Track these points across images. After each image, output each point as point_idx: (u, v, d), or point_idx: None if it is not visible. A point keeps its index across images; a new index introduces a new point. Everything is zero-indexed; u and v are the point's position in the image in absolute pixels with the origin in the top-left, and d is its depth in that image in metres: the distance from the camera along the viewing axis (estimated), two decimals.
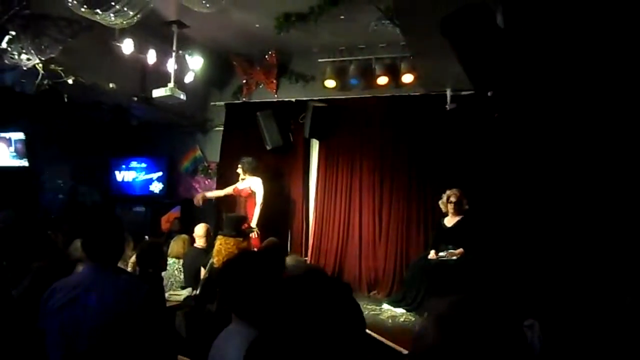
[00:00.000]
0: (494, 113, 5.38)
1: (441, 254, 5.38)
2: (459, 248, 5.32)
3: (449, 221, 5.58)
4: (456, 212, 5.54)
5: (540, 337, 1.91)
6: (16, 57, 4.73)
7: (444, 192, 5.67)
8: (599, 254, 3.15)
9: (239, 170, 6.42)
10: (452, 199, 5.54)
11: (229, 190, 6.61)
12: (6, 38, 4.61)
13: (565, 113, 3.55)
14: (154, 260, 3.77)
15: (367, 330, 4.37)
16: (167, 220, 7.75)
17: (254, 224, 6.08)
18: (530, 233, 3.70)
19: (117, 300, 2.05)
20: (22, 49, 4.70)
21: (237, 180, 6.55)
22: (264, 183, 6.33)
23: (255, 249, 5.36)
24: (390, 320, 5.05)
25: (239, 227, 4.69)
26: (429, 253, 5.51)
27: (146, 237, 6.86)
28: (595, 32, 3.29)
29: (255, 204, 6.24)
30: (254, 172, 6.39)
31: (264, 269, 1.75)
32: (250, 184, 6.34)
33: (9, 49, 4.67)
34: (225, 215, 5.05)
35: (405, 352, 3.85)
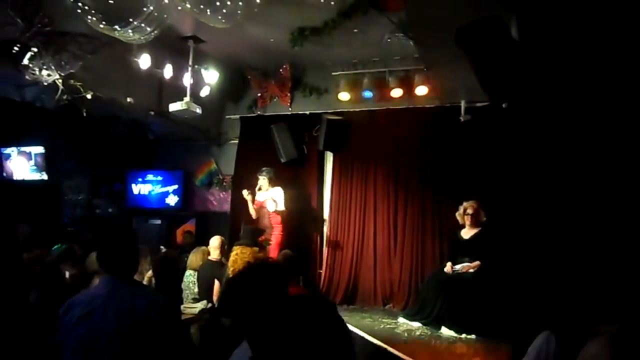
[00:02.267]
0: (509, 124, 5.33)
1: (457, 267, 5.31)
2: (475, 261, 5.25)
3: (466, 233, 5.51)
4: (473, 224, 5.47)
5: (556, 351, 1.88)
6: (37, 72, 4.85)
7: (461, 204, 5.62)
8: (621, 267, 3.07)
9: (261, 181, 6.34)
10: (469, 210, 5.47)
11: (251, 207, 6.41)
12: (28, 54, 4.74)
13: (581, 124, 3.50)
14: (169, 273, 3.79)
15: (384, 345, 4.32)
16: (181, 233, 7.81)
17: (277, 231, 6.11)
18: (548, 245, 3.63)
19: (134, 312, 2.05)
20: (43, 65, 4.82)
21: (254, 193, 6.51)
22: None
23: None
24: (406, 334, 4.97)
25: (255, 238, 4.72)
26: (445, 266, 5.45)
27: (162, 247, 6.92)
28: (611, 42, 3.26)
29: (278, 215, 6.22)
30: (275, 182, 6.37)
31: (276, 282, 1.73)
32: (272, 195, 6.28)
33: (30, 65, 4.79)
34: (243, 226, 5.07)
35: None
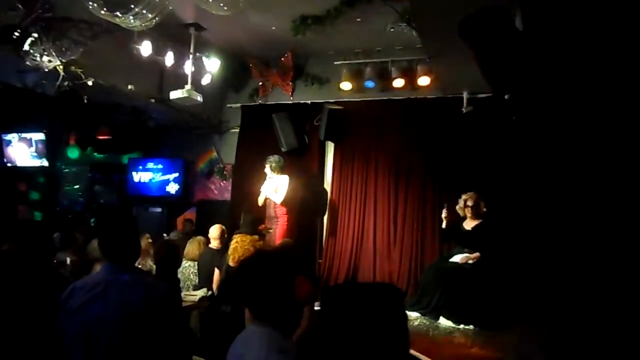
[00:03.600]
0: (511, 116, 5.32)
1: (457, 258, 5.33)
2: (475, 252, 5.27)
3: (468, 224, 5.52)
4: (474, 215, 5.48)
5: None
6: (38, 59, 4.84)
7: (460, 197, 5.62)
8: (623, 261, 3.08)
9: (267, 170, 6.12)
10: (469, 202, 5.48)
11: (261, 199, 6.17)
12: (28, 40, 4.72)
13: (584, 116, 3.50)
14: (170, 260, 3.80)
15: None
16: (182, 221, 7.82)
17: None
18: (549, 237, 3.64)
19: (135, 299, 2.06)
20: (44, 51, 4.81)
21: (254, 182, 6.44)
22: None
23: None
24: None
25: (255, 227, 4.74)
26: (445, 256, 5.47)
27: (165, 235, 6.93)
28: (615, 34, 3.24)
29: (283, 206, 6.05)
30: (282, 170, 6.13)
31: (280, 269, 1.75)
32: (279, 184, 6.06)
33: (31, 51, 4.77)
34: (243, 215, 5.07)
35: (420, 356, 3.82)
